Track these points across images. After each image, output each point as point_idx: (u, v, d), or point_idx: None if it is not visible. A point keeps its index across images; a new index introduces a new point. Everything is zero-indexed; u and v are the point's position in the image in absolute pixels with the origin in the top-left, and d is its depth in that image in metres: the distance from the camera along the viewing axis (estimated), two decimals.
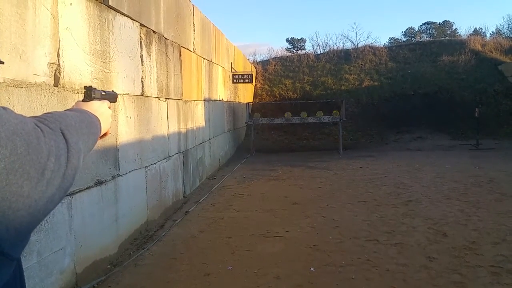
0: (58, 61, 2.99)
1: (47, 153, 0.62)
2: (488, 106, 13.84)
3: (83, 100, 1.02)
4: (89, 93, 1.03)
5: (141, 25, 4.60)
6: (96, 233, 3.56)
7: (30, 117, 0.68)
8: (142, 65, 4.62)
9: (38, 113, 2.72)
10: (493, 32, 29.02)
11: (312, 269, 3.56)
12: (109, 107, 1.07)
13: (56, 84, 2.97)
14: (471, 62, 16.12)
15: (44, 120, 0.69)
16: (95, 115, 0.94)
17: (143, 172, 4.68)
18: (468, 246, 3.99)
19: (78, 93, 3.25)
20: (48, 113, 0.75)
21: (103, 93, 1.08)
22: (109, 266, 3.73)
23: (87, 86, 1.04)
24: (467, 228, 4.55)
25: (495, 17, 78.91)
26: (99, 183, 3.61)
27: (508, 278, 3.26)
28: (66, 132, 0.70)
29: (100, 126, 0.95)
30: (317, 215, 5.25)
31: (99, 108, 1.01)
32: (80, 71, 3.30)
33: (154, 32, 5.00)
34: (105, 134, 1.04)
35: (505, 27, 27.96)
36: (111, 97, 1.14)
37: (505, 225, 4.61)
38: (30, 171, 0.58)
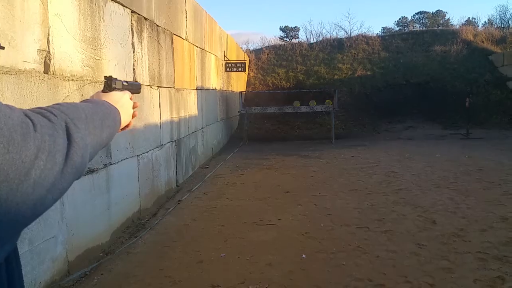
0: (48, 47, 2.95)
1: (35, 150, 0.55)
2: (478, 96, 13.96)
3: (102, 91, 0.97)
4: (110, 83, 0.97)
5: (132, 11, 4.54)
6: (88, 221, 3.56)
7: (32, 108, 0.63)
8: (133, 52, 4.58)
9: (28, 100, 2.71)
10: (485, 22, 29.19)
11: (303, 256, 3.61)
12: (130, 98, 1.02)
13: (46, 71, 2.93)
14: (463, 52, 16.20)
15: (45, 112, 0.63)
16: (114, 107, 0.88)
17: (135, 160, 4.67)
18: (457, 233, 4.06)
19: (68, 80, 3.22)
20: (57, 104, 0.69)
21: (125, 83, 1.03)
22: (101, 254, 3.74)
23: (107, 76, 0.98)
24: (456, 216, 4.62)
25: (487, 7, 79.14)
26: (90, 171, 3.60)
27: (494, 264, 3.33)
28: (71, 126, 0.64)
29: (120, 118, 0.90)
30: (309, 203, 5.30)
31: (120, 99, 0.96)
32: (71, 58, 3.26)
33: (145, 19, 4.95)
34: (126, 126, 1.00)
35: (497, 17, 28.12)
36: (134, 87, 1.08)
37: (492, 212, 4.69)
38: (9, 171, 0.52)
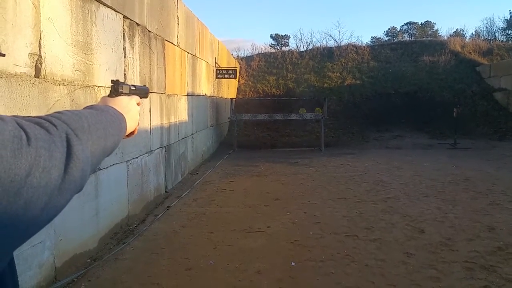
0: (40, 51, 2.93)
1: (28, 167, 0.50)
2: (465, 107, 14.18)
3: (109, 95, 0.93)
4: (116, 88, 0.93)
5: (125, 17, 4.53)
6: (76, 227, 3.52)
7: (30, 116, 0.59)
8: (125, 57, 4.56)
9: (18, 104, 2.68)
10: (472, 34, 29.78)
11: (292, 263, 3.61)
12: (138, 104, 0.98)
13: (37, 75, 2.91)
14: (451, 62, 16.49)
15: (44, 122, 0.57)
16: (120, 113, 0.84)
17: (124, 166, 4.64)
18: (444, 242, 4.11)
19: (59, 84, 3.20)
20: (58, 112, 0.64)
21: (132, 87, 0.98)
22: (89, 260, 3.69)
23: (114, 80, 0.94)
24: (444, 225, 4.68)
25: (475, 19, 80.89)
26: None
27: (481, 273, 3.37)
28: (72, 138, 0.59)
29: (126, 125, 0.85)
30: (299, 211, 5.31)
31: (127, 104, 0.91)
32: (62, 62, 3.24)
33: (137, 24, 4.94)
34: (132, 133, 0.96)
35: (483, 29, 28.72)
36: (142, 92, 1.04)
37: (479, 222, 4.75)
38: None
